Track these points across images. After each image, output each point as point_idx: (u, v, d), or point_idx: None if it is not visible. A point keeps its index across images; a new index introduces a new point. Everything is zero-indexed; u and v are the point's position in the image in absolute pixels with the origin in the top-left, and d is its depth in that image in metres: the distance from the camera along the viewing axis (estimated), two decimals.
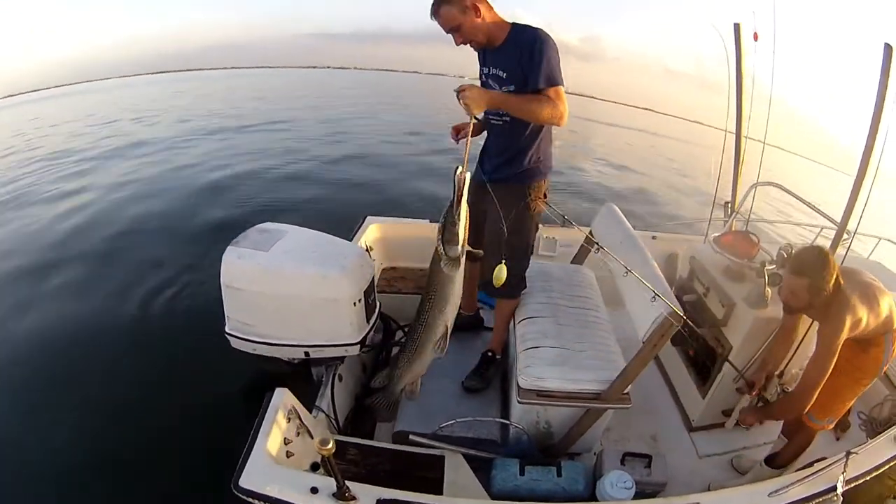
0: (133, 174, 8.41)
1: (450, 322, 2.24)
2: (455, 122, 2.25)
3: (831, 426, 2.33)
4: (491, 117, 2.21)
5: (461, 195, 1.99)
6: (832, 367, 1.95)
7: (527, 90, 1.98)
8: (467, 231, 2.07)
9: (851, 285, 2.03)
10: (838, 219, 2.42)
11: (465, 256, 2.07)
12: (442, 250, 2.08)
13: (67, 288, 4.44)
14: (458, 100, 1.84)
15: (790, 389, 2.48)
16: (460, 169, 1.98)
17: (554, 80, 1.96)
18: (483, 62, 2.14)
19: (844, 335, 1.94)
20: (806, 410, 2.08)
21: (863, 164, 2.19)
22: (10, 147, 11.63)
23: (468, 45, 2.03)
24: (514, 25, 2.01)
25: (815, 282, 1.97)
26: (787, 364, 2.40)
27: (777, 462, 2.39)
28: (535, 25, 2.00)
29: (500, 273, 2.02)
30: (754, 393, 2.33)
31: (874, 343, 2.09)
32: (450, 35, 2.01)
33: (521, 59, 1.95)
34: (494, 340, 2.66)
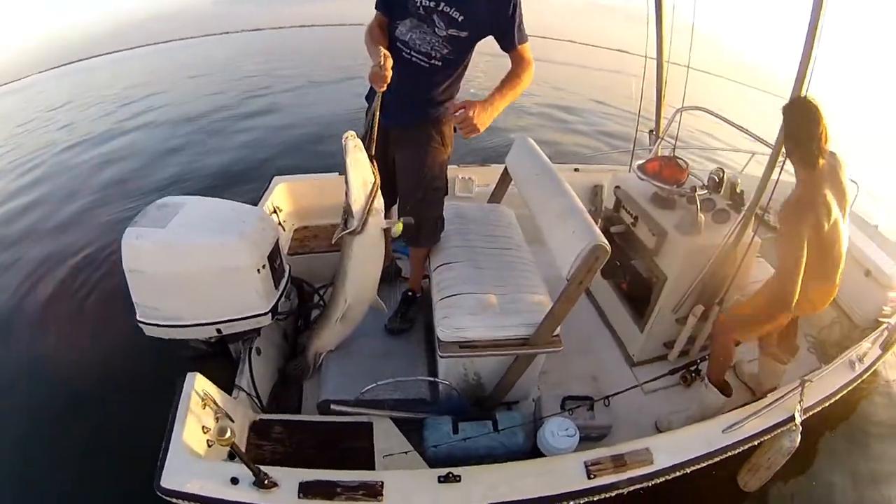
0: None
1: (352, 298, 2.14)
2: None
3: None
4: (414, 55, 1.95)
5: (355, 161, 1.86)
6: (803, 258, 1.81)
7: (501, 44, 1.92)
8: (372, 198, 1.93)
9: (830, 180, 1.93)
10: (771, 140, 2.28)
11: (363, 226, 1.94)
12: (341, 223, 1.97)
13: None
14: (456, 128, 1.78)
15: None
16: (347, 134, 1.84)
17: (525, 37, 1.89)
18: None
19: (807, 217, 1.84)
20: (793, 301, 1.85)
21: (797, 86, 2.00)
22: None
23: None
24: None
25: (785, 125, 1.92)
26: (725, 292, 2.33)
27: (708, 379, 2.28)
28: None
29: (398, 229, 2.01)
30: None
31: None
32: None
33: (491, 10, 1.82)
34: (412, 280, 2.59)
